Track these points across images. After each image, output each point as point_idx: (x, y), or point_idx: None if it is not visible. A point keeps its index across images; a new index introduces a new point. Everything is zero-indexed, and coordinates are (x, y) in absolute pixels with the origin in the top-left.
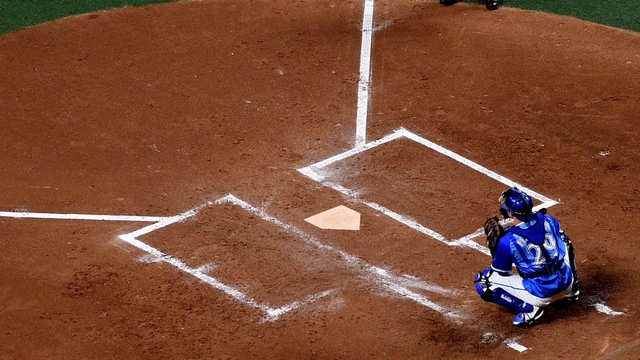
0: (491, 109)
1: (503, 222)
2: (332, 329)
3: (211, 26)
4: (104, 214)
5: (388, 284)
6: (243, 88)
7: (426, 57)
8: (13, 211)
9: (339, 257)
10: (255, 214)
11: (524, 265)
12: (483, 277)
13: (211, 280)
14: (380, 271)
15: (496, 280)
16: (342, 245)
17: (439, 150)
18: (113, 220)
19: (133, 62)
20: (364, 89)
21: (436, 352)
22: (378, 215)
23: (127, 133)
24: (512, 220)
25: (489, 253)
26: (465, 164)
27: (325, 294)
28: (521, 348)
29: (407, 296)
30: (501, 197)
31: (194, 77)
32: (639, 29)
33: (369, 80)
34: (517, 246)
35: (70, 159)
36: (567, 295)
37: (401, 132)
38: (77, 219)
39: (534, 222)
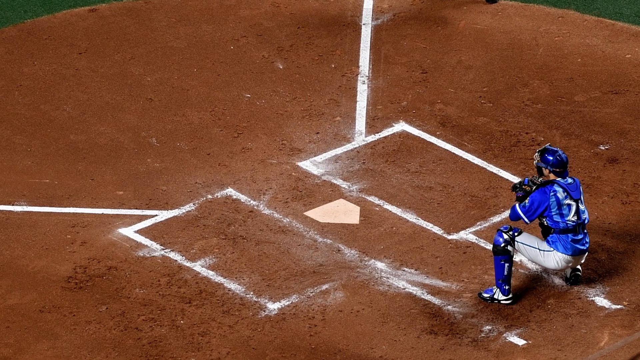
0: (491, 102)
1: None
2: (331, 323)
3: (211, 20)
4: (104, 208)
5: (387, 278)
6: (242, 82)
7: (426, 51)
8: (13, 205)
9: (339, 250)
10: (255, 207)
11: (557, 218)
12: (511, 233)
13: (211, 274)
14: (380, 265)
15: (524, 240)
16: (341, 238)
17: (438, 144)
18: (112, 214)
19: (132, 55)
20: (363, 82)
21: (435, 345)
22: (377, 208)
23: (127, 127)
24: (548, 177)
25: (488, 246)
26: (465, 157)
27: (324, 287)
28: (520, 341)
29: (406, 290)
30: (536, 154)
31: (194, 70)
32: (638, 23)
33: (369, 74)
34: (557, 198)
35: (69, 152)
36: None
37: (401, 126)
38: (76, 213)
39: (572, 180)
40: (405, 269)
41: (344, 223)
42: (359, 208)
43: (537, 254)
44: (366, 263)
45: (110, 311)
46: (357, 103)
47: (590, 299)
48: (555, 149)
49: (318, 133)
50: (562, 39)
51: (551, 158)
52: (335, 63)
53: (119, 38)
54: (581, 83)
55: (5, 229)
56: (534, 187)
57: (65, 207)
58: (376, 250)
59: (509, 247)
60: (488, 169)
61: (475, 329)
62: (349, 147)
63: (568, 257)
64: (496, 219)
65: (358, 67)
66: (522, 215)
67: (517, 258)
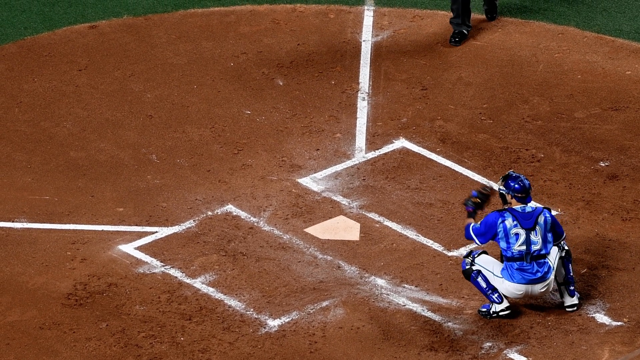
0: (491, 119)
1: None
2: (331, 339)
3: (211, 36)
4: (104, 225)
5: (388, 294)
6: (242, 98)
7: (426, 68)
8: (13, 222)
9: (339, 267)
10: (255, 224)
11: (503, 245)
12: (471, 256)
13: (211, 291)
14: (380, 281)
15: (481, 263)
16: (341, 255)
17: (438, 161)
18: (112, 231)
19: (132, 72)
20: (363, 99)
21: None
22: (378, 225)
23: (127, 143)
24: (510, 203)
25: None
26: (465, 174)
27: (325, 304)
28: (521, 358)
29: (406, 306)
30: (499, 181)
31: (194, 87)
32: (638, 39)
33: (369, 90)
34: (504, 226)
35: (69, 169)
36: (567, 304)
37: (401, 143)
38: (76, 230)
39: (532, 209)
40: (405, 285)
41: (344, 240)
42: (359, 225)
43: (492, 278)
44: (366, 280)
45: (111, 328)
46: (357, 119)
47: (591, 315)
48: (518, 175)
49: (318, 150)
50: (562, 56)
51: (513, 184)
52: (335, 79)
53: (119, 55)
54: (581, 100)
55: (5, 246)
56: (484, 199)
57: (65, 223)
58: (376, 266)
59: (474, 267)
60: (488, 185)
61: (475, 345)
62: (349, 163)
63: (517, 286)
64: None
65: (358, 83)
66: (473, 236)
67: None
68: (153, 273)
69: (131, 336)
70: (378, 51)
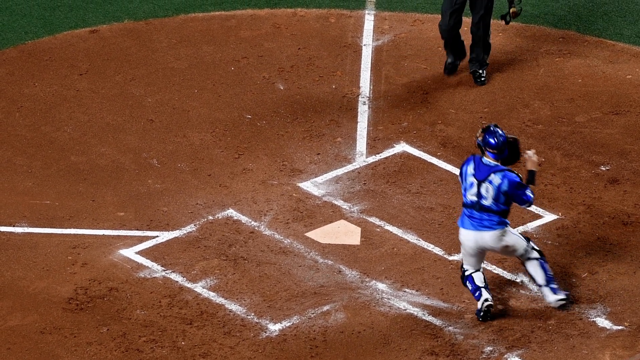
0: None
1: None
2: (332, 344)
3: (211, 41)
4: (105, 229)
5: (389, 299)
6: (243, 103)
7: (426, 72)
8: (13, 226)
9: (340, 271)
10: (256, 228)
11: (463, 191)
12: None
13: (212, 295)
14: (381, 286)
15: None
16: (342, 259)
17: (439, 165)
18: (113, 235)
19: (133, 76)
20: (364, 103)
21: None
22: (378, 229)
23: (128, 148)
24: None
25: (490, 267)
26: None
27: (325, 308)
28: None
29: (407, 311)
30: (479, 131)
31: (195, 91)
32: (639, 44)
33: (369, 94)
34: (465, 170)
35: (70, 173)
36: (553, 302)
37: (402, 147)
38: (77, 234)
39: (493, 165)
40: (406, 289)
41: (345, 244)
42: (360, 229)
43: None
44: (367, 284)
45: (111, 332)
46: (358, 124)
47: (592, 319)
48: (497, 130)
49: (319, 154)
50: (562, 60)
51: (488, 137)
52: (336, 84)
53: (119, 59)
54: (582, 104)
55: (6, 250)
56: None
57: (66, 228)
58: (377, 271)
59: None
60: None
61: (476, 350)
62: (349, 167)
63: (466, 233)
64: None
65: (359, 88)
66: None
67: (518, 279)
68: (154, 277)
69: (132, 341)
70: (379, 55)
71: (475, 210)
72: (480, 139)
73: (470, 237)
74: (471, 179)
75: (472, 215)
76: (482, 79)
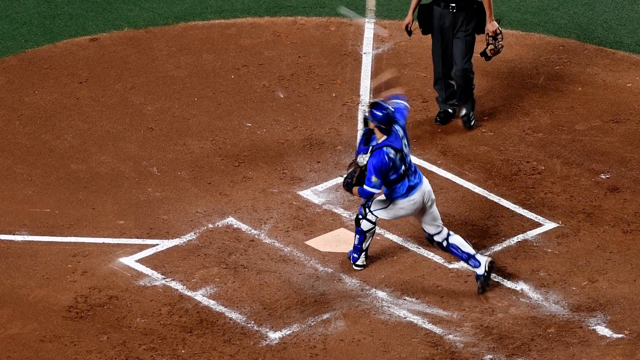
0: (491, 131)
1: (362, 159)
2: (332, 352)
3: (212, 49)
4: (105, 237)
5: (388, 307)
6: (243, 111)
7: (426, 80)
8: (13, 234)
9: (340, 279)
10: (256, 236)
11: (393, 176)
12: (366, 210)
13: (212, 303)
14: (381, 294)
15: (375, 207)
16: (342, 267)
17: (439, 173)
18: (113, 243)
19: (133, 85)
20: (364, 111)
21: None
22: (378, 237)
23: (128, 156)
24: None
25: (492, 275)
26: (466, 186)
27: (325, 316)
28: None
29: (407, 319)
30: (366, 107)
31: (195, 99)
32: (638, 52)
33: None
34: (392, 159)
35: (70, 182)
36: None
37: None
38: (77, 242)
39: (393, 131)
40: (406, 298)
41: (345, 252)
42: None
43: (387, 210)
44: (367, 292)
45: (112, 341)
46: (358, 132)
47: (592, 328)
48: (386, 105)
49: (319, 162)
50: (562, 68)
51: (379, 114)
52: (336, 92)
53: (119, 67)
54: (582, 112)
55: (6, 259)
56: (357, 170)
57: (66, 236)
58: (377, 279)
59: (361, 222)
60: (489, 198)
61: (476, 358)
62: None
63: (414, 197)
64: (497, 247)
65: (359, 96)
66: (374, 191)
67: (518, 287)
68: (154, 286)
69: (132, 349)
70: (379, 64)
71: (410, 175)
72: (369, 115)
73: (418, 197)
74: (398, 158)
75: (412, 184)
76: (472, 123)
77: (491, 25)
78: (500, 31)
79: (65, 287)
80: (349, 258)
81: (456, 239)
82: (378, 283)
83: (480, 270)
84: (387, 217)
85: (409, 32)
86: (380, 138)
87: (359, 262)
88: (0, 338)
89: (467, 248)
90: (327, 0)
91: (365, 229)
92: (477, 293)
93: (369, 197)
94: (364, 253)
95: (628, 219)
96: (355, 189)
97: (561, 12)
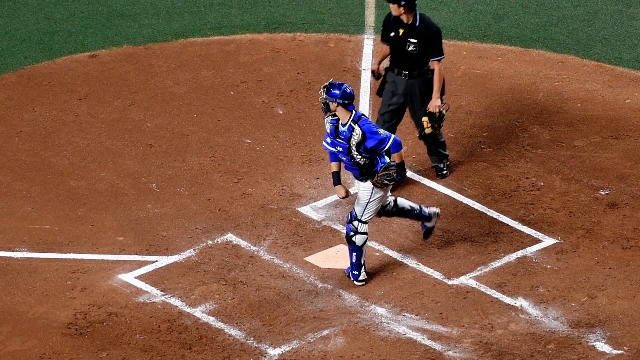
0: (490, 147)
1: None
2: None
3: (211, 65)
4: (104, 254)
5: (388, 323)
6: (242, 127)
7: None
8: (13, 251)
9: (339, 296)
10: (255, 253)
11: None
12: (355, 222)
13: (211, 320)
14: (380, 310)
15: (371, 214)
16: (342, 284)
17: (438, 189)
18: (113, 260)
19: (132, 101)
20: (322, 99)
21: None
22: (378, 254)
23: (127, 172)
24: (335, 111)
25: (489, 291)
26: (465, 202)
27: (325, 333)
28: None
29: (407, 335)
30: (322, 90)
31: (194, 116)
32: (637, 68)
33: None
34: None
35: (69, 198)
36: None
37: None
38: (76, 259)
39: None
40: (405, 314)
41: (344, 268)
42: None
43: (373, 201)
44: (367, 308)
45: (111, 357)
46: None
47: (591, 344)
48: (340, 82)
49: (318, 178)
50: (561, 84)
51: (338, 92)
52: None
53: (119, 84)
54: (581, 128)
55: (6, 275)
56: (389, 169)
57: (65, 253)
58: (376, 295)
59: (355, 238)
60: (488, 214)
61: None
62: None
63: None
64: (496, 264)
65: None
66: (393, 134)
67: (517, 303)
68: (153, 302)
69: None
70: (377, 80)
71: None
72: (329, 97)
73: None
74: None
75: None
76: (444, 172)
77: (435, 101)
78: (444, 112)
79: (64, 304)
80: (348, 276)
81: (402, 202)
82: (377, 299)
83: (431, 224)
84: (374, 208)
85: (377, 77)
86: (347, 116)
87: (360, 278)
88: (0, 355)
89: (414, 205)
90: (326, 16)
91: (360, 244)
92: (423, 239)
93: (400, 143)
94: (363, 268)
95: (627, 235)
96: (398, 160)
97: (560, 28)
